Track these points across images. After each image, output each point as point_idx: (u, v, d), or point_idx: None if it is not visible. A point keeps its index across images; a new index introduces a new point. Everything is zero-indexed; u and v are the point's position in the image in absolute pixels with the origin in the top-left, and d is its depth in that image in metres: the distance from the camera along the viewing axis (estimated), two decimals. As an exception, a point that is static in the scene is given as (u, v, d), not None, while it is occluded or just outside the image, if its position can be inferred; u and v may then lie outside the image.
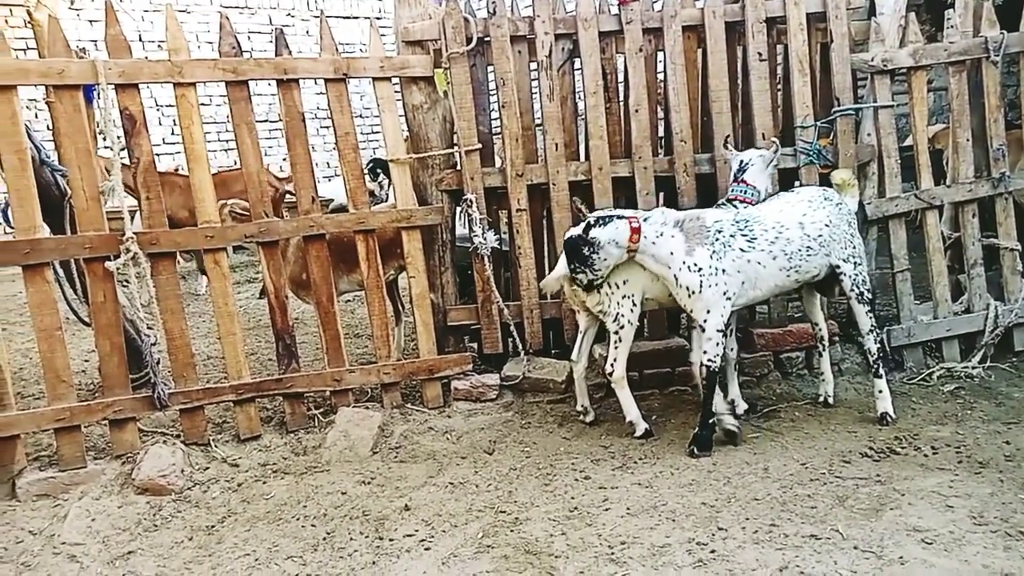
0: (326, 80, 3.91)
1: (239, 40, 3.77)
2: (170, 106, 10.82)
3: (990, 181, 4.31)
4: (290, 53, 3.85)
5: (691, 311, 3.50)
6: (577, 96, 4.37)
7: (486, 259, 4.20)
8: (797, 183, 4.30)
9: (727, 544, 2.71)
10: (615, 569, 2.63)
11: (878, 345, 3.65)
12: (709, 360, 3.44)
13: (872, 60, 4.20)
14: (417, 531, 3.02)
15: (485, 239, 4.16)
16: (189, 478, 3.59)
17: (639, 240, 3.41)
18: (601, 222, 3.44)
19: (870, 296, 3.64)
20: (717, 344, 3.43)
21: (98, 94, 3.59)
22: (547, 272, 4.48)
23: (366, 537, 3.01)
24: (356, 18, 12.79)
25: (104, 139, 3.73)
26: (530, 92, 4.31)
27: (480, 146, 4.18)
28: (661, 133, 4.60)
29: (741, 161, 3.86)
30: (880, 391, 3.65)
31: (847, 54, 4.21)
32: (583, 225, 3.45)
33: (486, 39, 4.12)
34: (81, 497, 3.45)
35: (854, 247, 3.62)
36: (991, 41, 4.20)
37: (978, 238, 4.36)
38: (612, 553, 2.73)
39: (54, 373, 3.58)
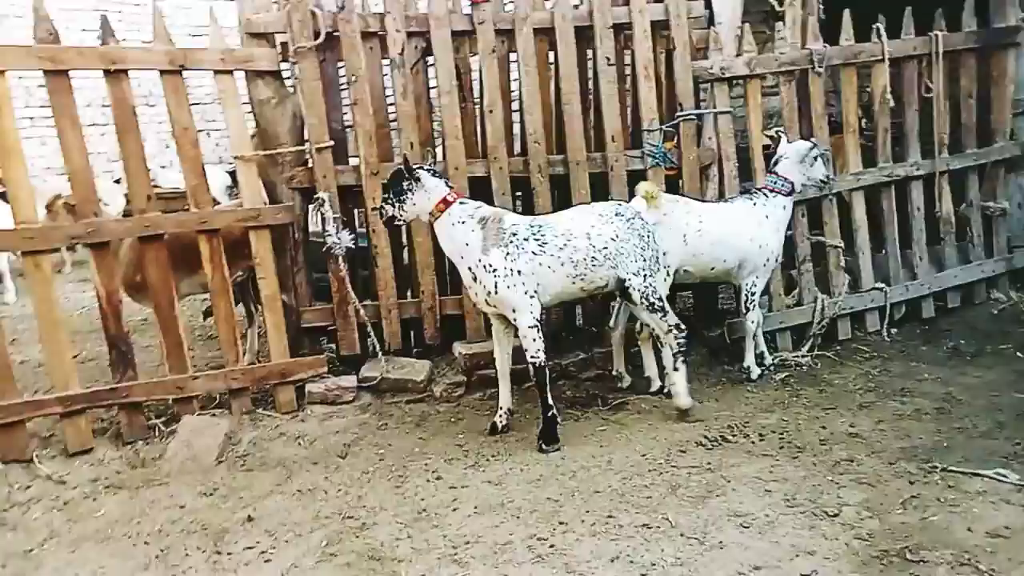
0: (161, 72, 3.69)
1: (55, 26, 3.47)
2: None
3: (815, 186, 4.65)
4: (116, 41, 3.60)
5: (496, 308, 3.61)
6: (431, 94, 4.36)
7: (340, 259, 4.12)
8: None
9: (566, 538, 2.80)
10: (457, 570, 2.66)
11: (677, 342, 3.75)
12: (532, 357, 3.56)
13: (711, 68, 4.43)
14: (259, 543, 2.93)
15: (339, 239, 4.08)
16: (7, 499, 3.33)
17: (442, 212, 3.55)
18: (432, 173, 3.63)
19: (660, 305, 3.70)
20: (534, 340, 3.53)
21: None
22: (403, 271, 4.48)
23: (203, 552, 2.90)
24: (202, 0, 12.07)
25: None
26: (383, 89, 4.26)
27: (332, 143, 4.09)
28: (517, 133, 4.67)
29: (779, 154, 4.21)
30: (675, 384, 3.77)
31: (688, 61, 4.42)
32: (407, 165, 3.58)
33: (335, 34, 4.02)
34: None
35: (644, 260, 3.68)
36: (815, 53, 4.54)
37: (807, 236, 4.70)
38: (455, 554, 2.76)
39: None
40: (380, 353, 4.29)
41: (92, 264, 3.67)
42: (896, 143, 4.93)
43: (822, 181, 4.30)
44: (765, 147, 4.73)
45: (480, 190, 4.34)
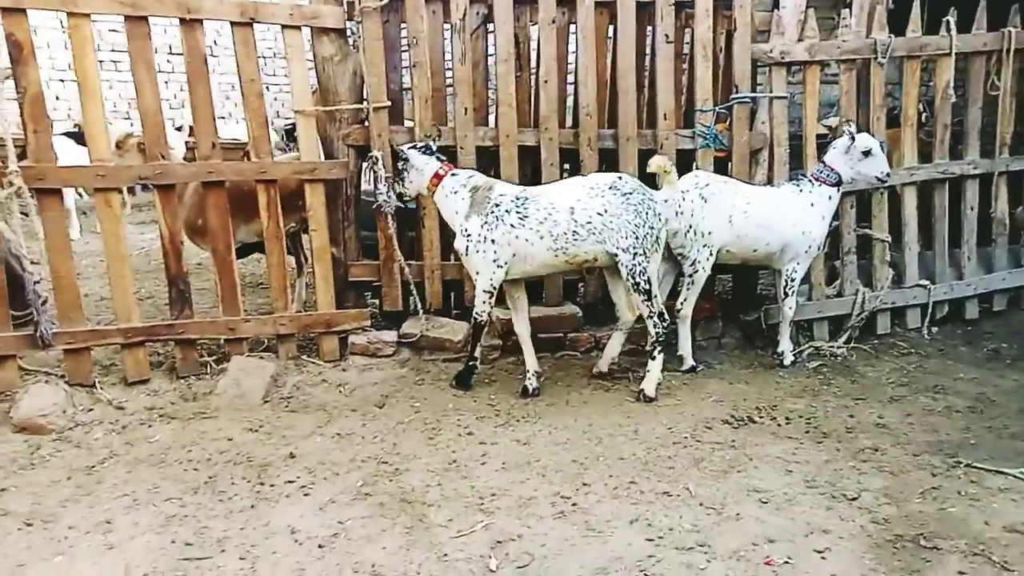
0: (232, 23, 3.82)
1: (140, -27, 3.63)
2: (54, 30, 10.16)
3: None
4: (194, -9, 3.74)
5: (468, 268, 3.89)
6: (489, 62, 4.42)
7: (390, 217, 4.24)
8: (694, 164, 4.51)
9: (588, 498, 2.92)
10: (482, 518, 2.80)
11: (657, 330, 3.81)
12: (477, 313, 3.87)
13: (771, 52, 4.41)
14: (299, 478, 3.11)
15: (390, 197, 4.20)
16: (71, 419, 3.57)
17: (436, 186, 3.82)
18: (423, 150, 3.88)
19: (647, 287, 3.72)
20: (484, 302, 3.82)
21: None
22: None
23: (248, 482, 3.08)
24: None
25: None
26: (442, 54, 4.34)
27: (389, 104, 4.20)
28: (570, 105, 4.71)
29: (830, 143, 4.28)
30: (648, 371, 3.85)
31: (748, 43, 4.40)
32: (399, 147, 3.89)
33: (401, -4, 4.10)
34: (-48, 434, 3.40)
35: (636, 237, 3.64)
36: (880, 43, 4.47)
37: (853, 228, 4.68)
38: (482, 504, 2.90)
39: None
40: (421, 311, 4.43)
41: (157, 204, 3.86)
42: (955, 140, 4.85)
43: (877, 178, 4.24)
44: (821, 136, 4.70)
45: (530, 159, 4.41)
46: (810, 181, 4.22)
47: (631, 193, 3.70)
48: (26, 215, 3.62)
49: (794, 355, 4.36)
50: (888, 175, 4.26)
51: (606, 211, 3.65)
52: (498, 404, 3.82)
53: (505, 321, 4.45)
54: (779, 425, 3.54)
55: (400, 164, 3.86)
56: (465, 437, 3.47)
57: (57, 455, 3.32)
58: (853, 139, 4.15)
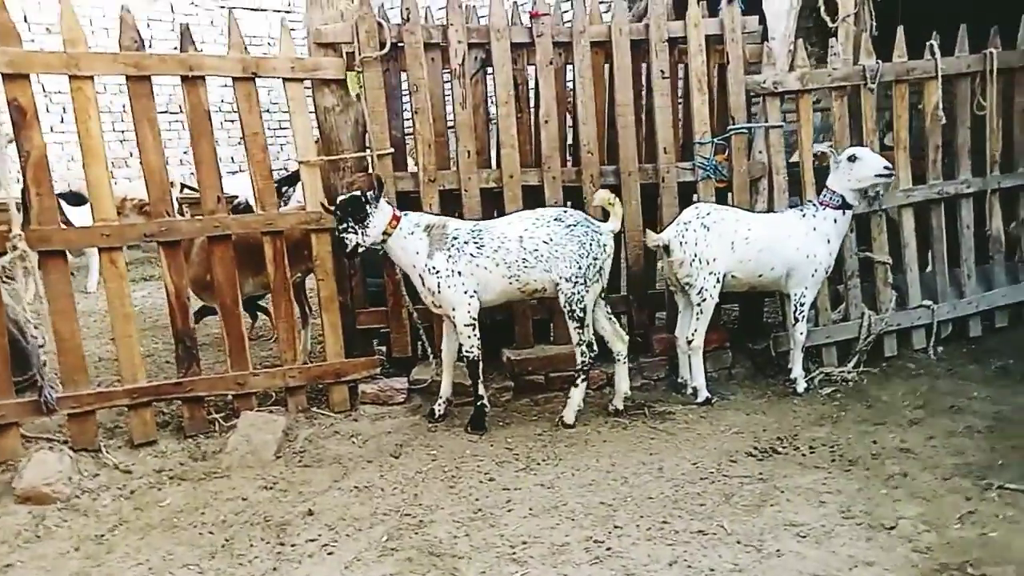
0: (234, 79, 3.83)
1: (140, 34, 3.64)
2: (59, 93, 10.20)
3: (865, 199, 4.67)
4: (195, 48, 3.75)
5: (441, 308, 3.87)
6: (489, 104, 4.46)
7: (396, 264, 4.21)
8: (695, 196, 4.54)
9: (622, 541, 2.85)
10: (516, 568, 2.72)
11: (583, 359, 3.93)
12: (467, 351, 3.85)
13: (764, 82, 4.48)
14: (320, 536, 3.02)
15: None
16: (77, 486, 3.45)
17: (394, 228, 3.76)
18: (376, 196, 3.80)
19: (581, 316, 3.85)
20: (469, 337, 3.83)
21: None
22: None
23: (267, 543, 2.99)
24: (264, 10, 12.41)
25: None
26: (443, 99, 4.37)
27: (392, 150, 4.20)
28: (570, 142, 4.75)
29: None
30: (569, 398, 3.97)
31: (742, 75, 4.47)
32: (364, 192, 3.73)
33: (399, 45, 4.14)
34: (-45, 508, 3.27)
35: (580, 268, 3.80)
36: (868, 69, 4.56)
37: (855, 252, 4.71)
38: (514, 553, 2.82)
39: (-72, 376, 3.36)
40: (431, 356, 4.37)
41: (163, 261, 3.81)
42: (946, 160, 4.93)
43: (878, 176, 4.12)
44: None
45: (532, 198, 4.42)
46: (814, 206, 4.25)
47: (575, 225, 3.86)
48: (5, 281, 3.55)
49: (807, 382, 4.35)
50: (888, 168, 4.15)
51: (551, 240, 3.81)
52: (516, 447, 3.76)
53: (517, 361, 4.42)
54: (803, 455, 3.51)
55: (369, 208, 3.69)
56: (487, 484, 3.40)
57: (64, 525, 3.20)
58: (830, 147, 4.23)
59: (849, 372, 4.53)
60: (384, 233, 3.76)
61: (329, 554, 2.90)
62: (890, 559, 2.62)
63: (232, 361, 3.95)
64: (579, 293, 3.83)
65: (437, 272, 3.76)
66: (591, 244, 3.84)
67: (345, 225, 3.69)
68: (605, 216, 4.07)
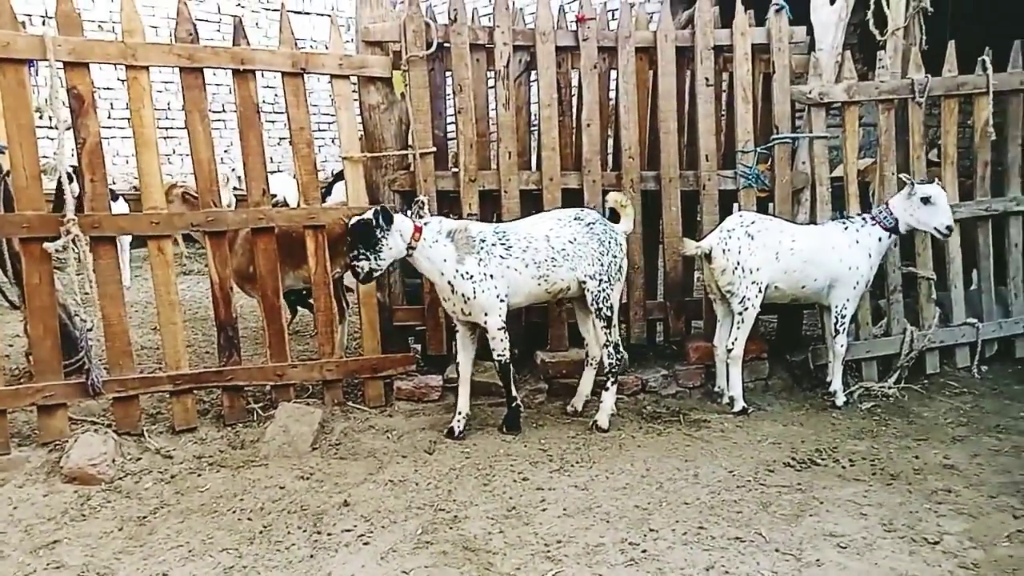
0: (283, 74, 3.90)
1: (196, 27, 3.72)
2: (107, 88, 10.47)
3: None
4: (248, 43, 3.83)
5: (470, 315, 3.75)
6: (531, 107, 4.48)
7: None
8: (736, 205, 4.51)
9: (658, 545, 2.83)
10: (551, 566, 2.71)
11: (611, 361, 3.91)
12: (499, 356, 3.78)
13: (810, 93, 4.44)
14: (356, 526, 3.03)
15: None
16: (120, 468, 3.52)
17: (418, 240, 3.64)
18: (394, 210, 3.74)
19: (608, 315, 3.87)
20: (501, 341, 3.76)
21: (37, 71, 3.49)
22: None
23: (304, 531, 3.01)
24: (308, 14, 12.63)
25: (40, 117, 3.63)
26: (486, 100, 4.40)
27: (435, 149, 4.24)
28: (611, 148, 4.75)
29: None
30: (602, 402, 3.94)
31: (788, 85, 4.45)
32: (373, 211, 3.54)
33: (446, 45, 4.18)
34: (3, 484, 3.35)
35: (603, 266, 3.83)
36: (917, 83, 4.51)
37: (898, 266, 4.64)
38: (548, 551, 2.81)
39: (-21, 356, 3.45)
40: (466, 356, 4.37)
41: (208, 251, 3.88)
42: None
43: (937, 230, 4.09)
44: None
45: (572, 201, 4.43)
46: (862, 220, 4.20)
47: (593, 223, 3.88)
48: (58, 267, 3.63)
49: (846, 396, 4.28)
50: (950, 228, 4.09)
51: (575, 239, 3.82)
52: (550, 449, 3.75)
53: (551, 364, 4.41)
54: (843, 467, 3.45)
55: (379, 233, 3.51)
56: (520, 483, 3.39)
57: (108, 505, 3.26)
58: (913, 186, 4.10)
59: (890, 387, 4.46)
60: (409, 248, 3.62)
61: (365, 544, 2.91)
62: (934, 574, 2.56)
63: (272, 352, 4.00)
64: (605, 291, 3.84)
65: (471, 277, 3.64)
66: (610, 242, 3.86)
67: (356, 252, 3.56)
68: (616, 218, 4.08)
